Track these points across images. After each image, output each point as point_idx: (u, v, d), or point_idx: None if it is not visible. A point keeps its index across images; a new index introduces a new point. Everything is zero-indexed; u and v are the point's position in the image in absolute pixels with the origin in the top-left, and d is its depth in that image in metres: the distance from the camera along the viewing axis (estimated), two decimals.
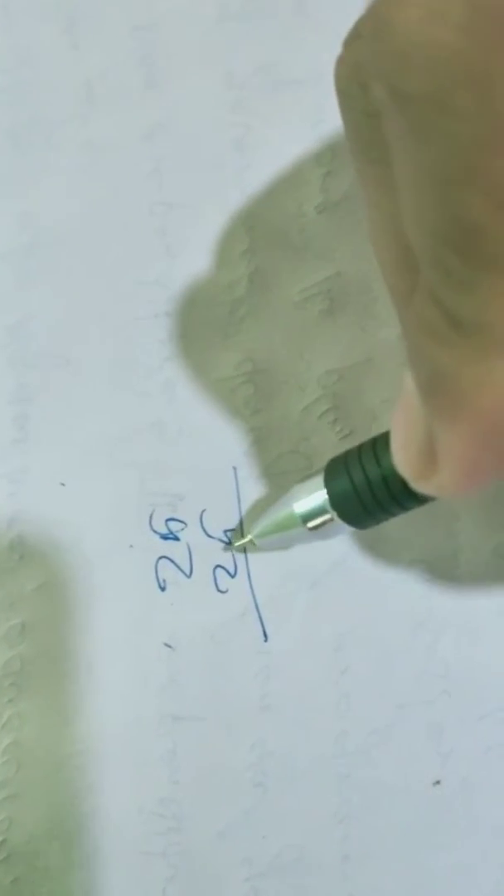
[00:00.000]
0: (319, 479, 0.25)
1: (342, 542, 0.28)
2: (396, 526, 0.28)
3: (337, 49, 0.20)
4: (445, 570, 0.28)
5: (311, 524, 0.26)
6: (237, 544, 0.28)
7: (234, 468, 0.28)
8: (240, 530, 0.28)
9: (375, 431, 0.26)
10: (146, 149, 0.30)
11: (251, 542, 0.27)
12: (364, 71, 0.17)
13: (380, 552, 0.28)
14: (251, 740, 0.27)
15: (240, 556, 0.28)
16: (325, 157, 0.29)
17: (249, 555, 0.28)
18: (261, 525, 0.27)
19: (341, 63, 0.19)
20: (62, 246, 0.30)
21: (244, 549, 0.28)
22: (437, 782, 0.27)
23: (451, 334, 0.16)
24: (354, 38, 0.18)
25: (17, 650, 0.28)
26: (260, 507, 0.28)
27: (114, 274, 0.30)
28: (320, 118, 0.29)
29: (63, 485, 0.28)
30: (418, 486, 0.20)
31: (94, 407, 0.29)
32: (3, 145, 0.30)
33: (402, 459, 0.21)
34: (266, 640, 0.28)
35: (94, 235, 0.30)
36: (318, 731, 0.27)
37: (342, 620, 0.28)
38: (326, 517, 0.25)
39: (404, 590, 0.28)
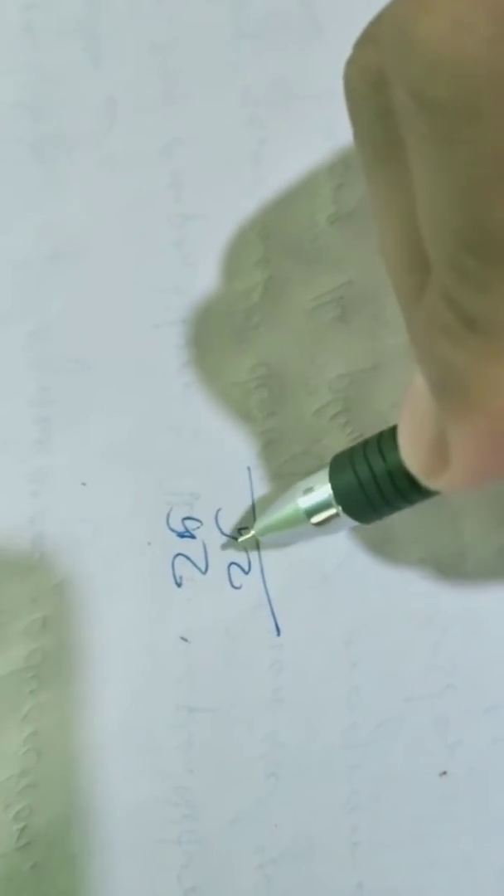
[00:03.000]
0: (324, 474, 0.26)
1: (351, 541, 0.29)
2: (404, 525, 0.29)
3: None
4: (452, 567, 0.29)
5: (315, 519, 0.26)
6: (241, 539, 0.29)
7: (249, 469, 0.29)
8: (251, 519, 0.29)
9: None
10: (164, 162, 0.31)
11: (256, 537, 0.28)
12: (376, 71, 0.18)
13: (388, 550, 0.29)
14: (264, 731, 0.28)
15: (253, 554, 0.29)
16: (338, 169, 0.30)
17: (263, 553, 0.29)
18: (265, 521, 0.28)
19: (351, 64, 0.19)
20: (83, 255, 0.31)
21: (256, 545, 0.29)
22: (444, 773, 0.28)
23: (465, 334, 0.17)
24: (367, 41, 0.19)
25: (38, 643, 0.29)
26: (269, 500, 0.29)
27: (132, 282, 0.31)
28: (333, 132, 0.30)
29: (83, 484, 0.29)
30: (428, 482, 0.21)
31: (114, 410, 0.30)
32: (26, 158, 0.31)
33: (411, 456, 0.21)
34: (278, 635, 0.29)
35: (113, 245, 0.31)
36: (328, 722, 0.28)
37: (352, 616, 0.29)
38: (331, 512, 0.26)
39: (412, 587, 0.29)
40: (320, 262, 0.30)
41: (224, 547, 0.29)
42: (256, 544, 0.29)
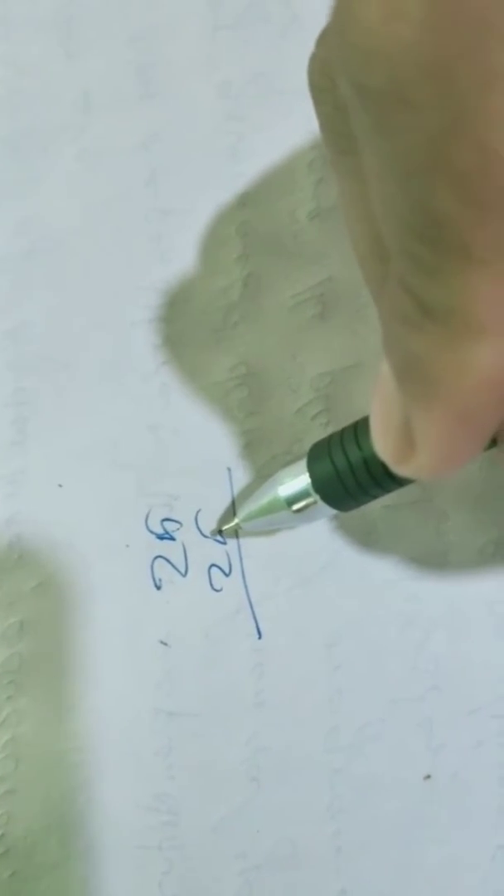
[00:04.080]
0: (302, 464, 0.26)
1: (333, 543, 0.29)
2: (387, 526, 0.28)
3: None
4: (435, 568, 0.28)
5: (295, 507, 0.26)
6: (225, 528, 0.28)
7: (229, 469, 0.29)
8: (231, 513, 0.29)
9: None
10: (142, 157, 0.31)
11: (238, 525, 0.28)
12: (333, 65, 0.18)
13: (371, 551, 0.28)
14: (245, 736, 0.28)
15: (234, 556, 0.29)
16: (318, 164, 0.30)
17: (244, 555, 0.29)
18: (247, 509, 0.28)
19: (313, 59, 0.19)
20: (59, 252, 0.30)
21: (235, 533, 0.29)
22: (428, 776, 0.28)
23: (422, 321, 0.17)
24: (325, 36, 0.19)
25: (15, 648, 0.28)
26: (250, 491, 0.28)
27: (110, 279, 0.30)
28: (313, 126, 0.29)
29: (60, 486, 0.29)
30: (397, 469, 0.21)
31: (91, 409, 0.29)
32: (1, 153, 0.31)
33: (381, 444, 0.21)
34: (260, 638, 0.28)
35: (90, 242, 0.30)
36: (310, 726, 0.28)
37: (334, 618, 0.28)
38: (310, 500, 0.26)
39: (395, 588, 0.28)
40: (300, 258, 0.30)
41: (214, 533, 0.29)
42: (237, 533, 0.29)
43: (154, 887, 0.27)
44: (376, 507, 0.28)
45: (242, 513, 0.28)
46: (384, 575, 0.28)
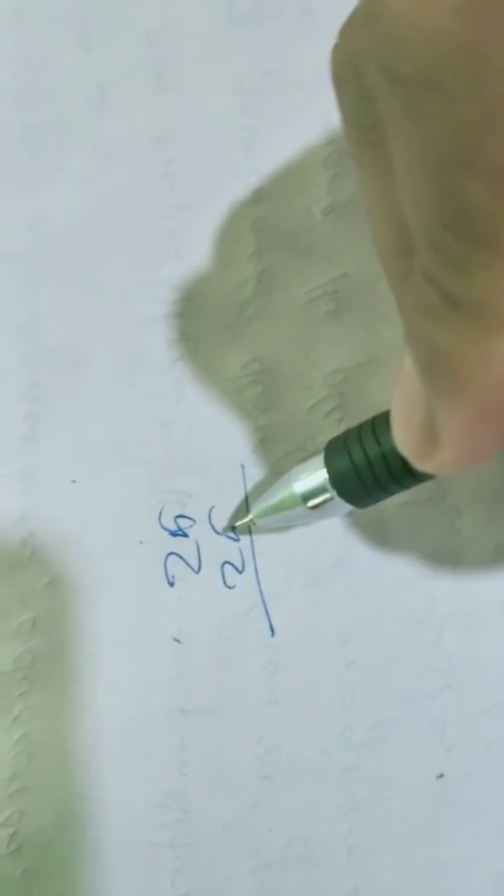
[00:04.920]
0: (319, 459, 0.26)
1: (347, 539, 0.28)
2: (401, 523, 0.28)
3: None
4: (449, 566, 0.28)
5: (311, 503, 0.26)
6: (239, 524, 0.28)
7: (242, 466, 0.29)
8: (244, 510, 0.28)
9: None
10: (156, 152, 0.30)
11: (252, 521, 0.28)
12: (359, 55, 0.18)
13: (384, 548, 0.28)
14: (258, 733, 0.28)
15: (247, 553, 0.28)
16: (333, 159, 0.30)
17: (257, 552, 0.28)
18: (261, 505, 0.27)
19: (337, 49, 0.19)
20: (73, 247, 0.30)
21: (248, 530, 0.28)
22: (441, 776, 0.27)
23: (448, 314, 0.17)
24: (350, 26, 0.19)
25: (28, 645, 0.28)
26: (263, 487, 0.28)
27: (124, 275, 0.30)
28: (328, 121, 0.29)
29: (74, 482, 0.29)
30: (419, 465, 0.21)
31: (105, 405, 0.29)
32: (16, 148, 0.31)
33: (403, 438, 0.21)
34: (273, 635, 0.28)
35: (104, 237, 0.30)
36: (323, 724, 0.28)
37: (347, 616, 0.28)
38: (326, 496, 0.26)
39: (408, 585, 0.28)
40: (315, 254, 0.30)
41: (226, 530, 0.28)
42: (250, 530, 0.28)
43: (166, 885, 0.27)
44: (390, 504, 0.28)
45: (256, 509, 0.28)
46: (398, 572, 0.28)
